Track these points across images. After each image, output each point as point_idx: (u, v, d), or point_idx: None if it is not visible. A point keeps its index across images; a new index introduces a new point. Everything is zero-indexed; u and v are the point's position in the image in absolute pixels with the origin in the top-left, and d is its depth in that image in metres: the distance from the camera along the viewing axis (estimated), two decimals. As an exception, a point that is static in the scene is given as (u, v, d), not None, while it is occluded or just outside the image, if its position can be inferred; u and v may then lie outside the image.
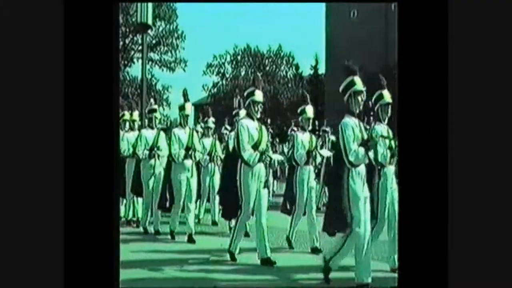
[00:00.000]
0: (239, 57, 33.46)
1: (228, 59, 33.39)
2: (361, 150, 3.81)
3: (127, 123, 7.47)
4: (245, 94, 5.00)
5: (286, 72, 33.63)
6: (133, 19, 21.76)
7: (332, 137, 8.26)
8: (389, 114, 4.47)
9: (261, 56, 33.28)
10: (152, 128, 6.76)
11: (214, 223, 7.33)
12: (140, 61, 14.60)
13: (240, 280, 4.21)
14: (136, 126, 7.41)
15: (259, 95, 4.85)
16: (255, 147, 4.73)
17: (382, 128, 4.44)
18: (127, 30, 26.68)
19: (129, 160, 7.00)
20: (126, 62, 27.90)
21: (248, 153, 4.67)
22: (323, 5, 29.72)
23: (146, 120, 7.41)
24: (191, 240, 5.89)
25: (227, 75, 33.16)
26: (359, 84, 3.94)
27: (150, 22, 11.05)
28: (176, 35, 29.24)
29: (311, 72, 32.52)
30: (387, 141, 4.40)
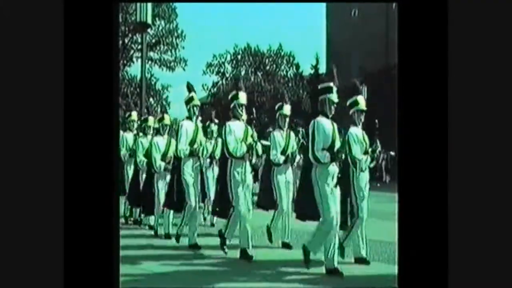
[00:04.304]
0: (239, 57, 33.31)
1: (228, 58, 33.22)
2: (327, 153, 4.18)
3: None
4: (229, 97, 5.24)
5: (287, 72, 33.47)
6: (133, 18, 21.73)
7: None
8: (362, 120, 4.84)
9: (261, 55, 33.11)
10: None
11: (211, 224, 7.22)
12: (139, 60, 14.53)
13: (240, 281, 4.21)
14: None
15: (242, 98, 5.11)
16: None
17: (357, 131, 4.75)
18: (127, 29, 26.60)
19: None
20: (125, 61, 27.80)
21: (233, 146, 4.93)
22: (323, 5, 29.68)
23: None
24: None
25: (227, 75, 33.04)
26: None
27: (149, 21, 11.01)
28: (176, 34, 29.13)
29: (312, 71, 32.41)
30: (362, 145, 4.74)
